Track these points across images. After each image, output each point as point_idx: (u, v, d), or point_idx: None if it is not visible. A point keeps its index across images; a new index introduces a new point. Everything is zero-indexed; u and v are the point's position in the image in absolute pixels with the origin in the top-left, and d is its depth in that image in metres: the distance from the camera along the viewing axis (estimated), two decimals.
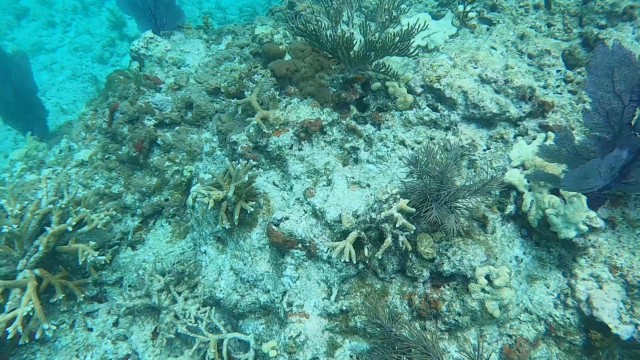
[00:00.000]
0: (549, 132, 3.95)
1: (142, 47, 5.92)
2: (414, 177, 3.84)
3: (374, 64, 4.21)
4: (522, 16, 4.99)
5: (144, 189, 4.88)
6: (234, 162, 3.93)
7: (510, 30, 4.85)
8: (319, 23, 3.99)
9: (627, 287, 3.67)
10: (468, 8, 4.91)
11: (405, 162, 3.73)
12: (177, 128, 5.06)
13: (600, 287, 3.65)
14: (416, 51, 4.09)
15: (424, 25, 4.02)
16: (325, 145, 4.30)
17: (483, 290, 3.42)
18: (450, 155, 3.53)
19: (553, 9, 5.02)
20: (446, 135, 4.21)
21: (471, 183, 3.48)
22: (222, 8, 12.63)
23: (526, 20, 4.98)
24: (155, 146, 5.03)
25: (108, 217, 4.33)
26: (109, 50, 11.33)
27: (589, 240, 3.59)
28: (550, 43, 4.69)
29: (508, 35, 4.80)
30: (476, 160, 4.08)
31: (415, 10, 5.61)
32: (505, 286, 3.40)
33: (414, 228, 3.34)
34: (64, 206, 4.15)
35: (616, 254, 3.73)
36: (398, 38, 3.91)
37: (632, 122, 3.14)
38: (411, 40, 3.96)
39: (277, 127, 4.23)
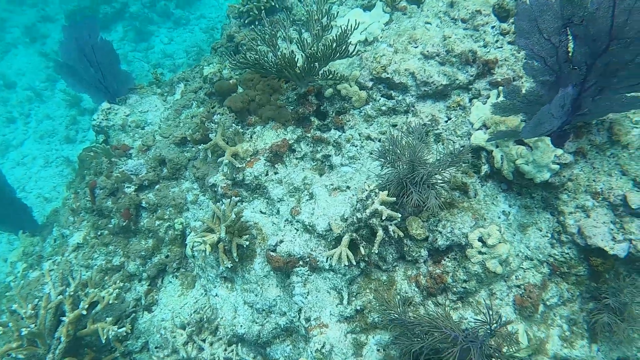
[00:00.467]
0: (500, 88, 4.11)
1: (102, 119, 6.06)
2: (388, 168, 3.98)
3: (320, 73, 4.36)
4: None
5: (143, 253, 5.01)
6: (218, 203, 4.07)
7: (439, 1, 5.01)
8: (259, 51, 4.14)
9: (613, 208, 3.83)
10: None
11: (376, 156, 3.87)
12: (157, 187, 5.20)
13: (588, 216, 3.80)
14: (356, 50, 4.24)
15: (356, 24, 4.18)
16: (298, 162, 4.45)
17: (480, 252, 3.57)
18: (415, 137, 3.68)
19: None
20: (407, 118, 4.36)
21: (442, 157, 3.63)
22: (169, 55, 12.80)
23: None
24: (142, 209, 5.17)
25: (117, 290, 4.46)
26: (73, 129, 11.48)
27: (564, 176, 3.75)
28: (479, 2, 4.85)
29: (438, 6, 4.96)
30: (441, 133, 4.23)
31: (348, 7, 5.77)
32: (500, 242, 3.55)
33: (400, 215, 3.49)
34: (72, 293, 4.27)
35: (594, 180, 3.88)
36: (335, 44, 4.06)
37: (569, 59, 3.30)
38: (348, 42, 4.11)
39: (248, 159, 4.37)
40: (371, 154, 4.26)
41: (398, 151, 3.65)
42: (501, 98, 3.73)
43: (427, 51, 4.36)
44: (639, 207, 3.71)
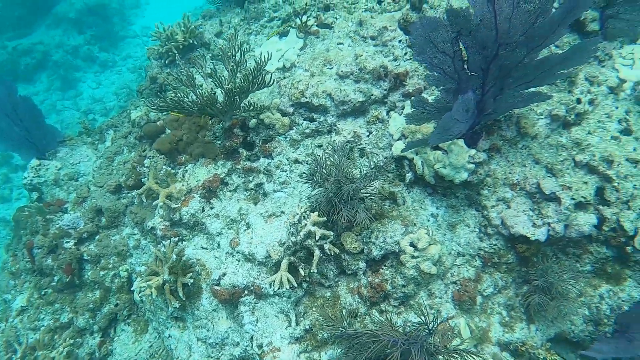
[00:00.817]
0: (412, 98, 4.35)
1: (33, 177, 5.99)
2: (317, 188, 4.14)
3: (242, 105, 4.49)
4: (353, 5, 5.41)
5: (91, 306, 4.98)
6: (159, 245, 4.12)
7: (349, 22, 5.24)
8: (177, 93, 4.24)
9: (530, 196, 4.11)
10: (304, 19, 5.27)
11: (304, 179, 4.02)
12: (97, 237, 5.19)
13: (509, 207, 4.06)
14: (272, 80, 4.40)
15: (269, 56, 4.34)
16: (232, 194, 4.55)
17: (413, 256, 3.76)
18: (338, 155, 3.85)
19: None
20: (331, 137, 4.54)
21: (366, 171, 3.81)
22: (99, 99, 12.70)
23: (358, 6, 5.40)
24: (84, 262, 5.15)
25: (67, 347, 4.42)
26: (6, 188, 11.18)
27: (481, 174, 3.99)
28: (386, 18, 5.11)
29: (348, 26, 5.20)
30: (364, 147, 4.43)
31: (264, 35, 5.94)
32: (430, 244, 3.75)
33: (332, 234, 3.65)
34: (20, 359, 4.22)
35: (510, 172, 4.16)
36: (252, 76, 4.21)
37: (465, 66, 3.56)
38: (263, 73, 4.27)
39: (183, 198, 4.45)
40: (300, 177, 4.41)
41: (324, 171, 3.81)
42: (412, 109, 3.95)
43: (342, 71, 4.56)
44: (552, 192, 4.00)
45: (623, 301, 4.21)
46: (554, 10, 3.21)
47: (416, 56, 3.44)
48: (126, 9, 17.54)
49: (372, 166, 3.86)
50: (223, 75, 4.27)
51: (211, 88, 4.27)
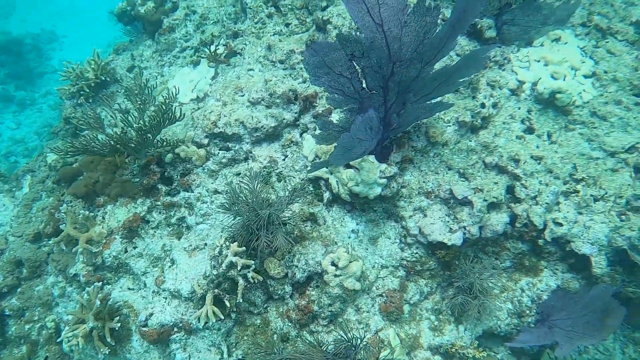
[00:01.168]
0: (318, 120, 4.43)
1: None
2: (236, 217, 4.15)
3: (156, 142, 4.46)
4: (262, 30, 5.47)
5: None
6: (83, 292, 4.03)
7: (258, 47, 5.30)
8: (86, 136, 4.17)
9: (445, 202, 4.26)
10: (213, 48, 5.30)
11: (222, 209, 4.03)
12: (19, 290, 5.01)
13: (425, 215, 4.20)
14: (183, 114, 4.40)
15: (177, 90, 4.34)
16: (155, 231, 4.51)
17: (336, 275, 3.83)
18: (254, 183, 3.88)
19: (284, 10, 5.55)
20: (248, 164, 4.57)
21: (282, 196, 3.86)
22: (20, 140, 12.24)
23: (267, 31, 5.47)
24: (7, 318, 4.95)
25: None
26: None
27: (393, 187, 4.11)
28: (294, 40, 5.21)
29: (258, 52, 5.26)
30: (282, 171, 4.48)
31: (178, 66, 5.93)
32: (351, 262, 3.83)
33: (253, 262, 3.68)
34: None
35: (424, 181, 4.30)
36: (161, 113, 4.20)
37: (364, 86, 3.67)
38: (173, 108, 4.26)
39: (104, 241, 4.37)
40: (219, 208, 4.41)
41: (243, 198, 3.83)
42: (319, 130, 4.02)
43: (253, 98, 4.61)
44: (464, 197, 4.16)
45: (542, 291, 4.42)
46: (440, 27, 3.37)
47: (314, 81, 3.52)
48: (42, 43, 17.04)
49: (290, 189, 3.92)
50: (133, 114, 4.24)
51: (122, 127, 4.22)
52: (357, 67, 3.53)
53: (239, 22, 5.53)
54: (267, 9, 5.42)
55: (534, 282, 4.45)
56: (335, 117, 4.29)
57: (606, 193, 4.45)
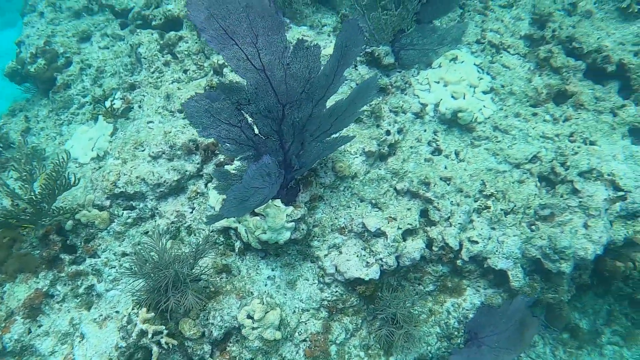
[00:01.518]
0: (213, 171, 4.33)
1: None
2: (145, 281, 3.96)
3: (52, 210, 4.22)
4: (159, 79, 5.33)
5: None
6: None
7: (157, 97, 5.15)
8: None
9: (359, 236, 4.22)
10: (109, 103, 5.11)
11: (129, 274, 3.83)
12: None
13: (340, 252, 4.14)
14: (78, 180, 4.19)
15: (68, 157, 4.14)
16: (61, 305, 4.24)
17: (254, 328, 3.69)
18: (161, 241, 3.71)
19: (181, 57, 5.45)
20: (155, 222, 4.39)
21: (189, 251, 3.72)
22: None
23: (165, 79, 5.34)
24: None
25: None
26: None
27: (303, 228, 4.03)
28: (192, 86, 5.09)
29: (157, 102, 5.11)
30: (190, 225, 4.32)
31: (77, 123, 5.70)
32: (267, 312, 3.71)
33: (164, 327, 3.49)
34: None
35: (336, 217, 4.25)
36: (51, 181, 3.98)
37: (257, 132, 3.59)
38: (65, 174, 4.05)
39: (3, 325, 4.07)
40: (125, 272, 4.21)
41: (150, 259, 3.65)
42: (217, 181, 3.90)
43: (153, 152, 4.45)
44: (377, 229, 4.13)
45: (467, 310, 4.44)
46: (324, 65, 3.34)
47: (202, 132, 3.40)
48: None
49: (194, 244, 3.77)
50: (22, 185, 4.00)
51: (10, 200, 3.98)
52: (245, 114, 3.45)
53: (135, 74, 5.38)
54: (163, 57, 5.30)
55: (458, 302, 4.46)
56: (235, 165, 4.18)
57: (515, 205, 4.54)
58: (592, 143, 4.89)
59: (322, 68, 3.36)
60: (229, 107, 3.38)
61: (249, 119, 3.50)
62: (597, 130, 4.98)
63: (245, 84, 3.26)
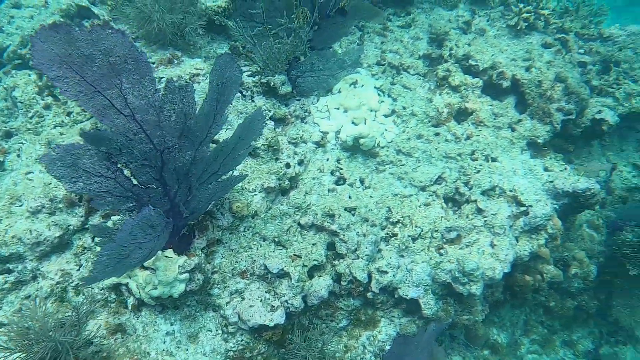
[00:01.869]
0: (90, 228, 3.99)
1: None
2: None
3: None
4: (40, 124, 4.89)
5: None
6: None
7: (37, 144, 4.72)
8: None
9: (262, 279, 4.00)
10: None
11: (3, 348, 3.42)
12: None
13: (243, 298, 3.89)
14: None
15: None
16: None
17: None
18: (39, 310, 3.33)
19: (63, 99, 5.05)
20: (38, 284, 3.98)
21: (68, 317, 3.36)
22: None
23: (46, 124, 4.87)
24: None
25: None
26: None
27: (199, 278, 3.75)
28: (77, 130, 4.72)
29: (36, 150, 4.67)
30: (78, 284, 3.95)
31: None
32: None
33: None
34: None
35: (237, 261, 4.01)
36: None
37: (134, 182, 3.31)
38: None
39: None
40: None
41: (34, 328, 3.27)
42: (97, 239, 3.57)
43: (32, 207, 4.04)
44: (279, 269, 3.92)
45: (383, 342, 4.31)
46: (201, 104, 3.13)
47: (71, 187, 3.07)
48: None
49: (81, 304, 3.41)
50: None
51: None
52: (119, 165, 3.17)
53: (12, 119, 4.94)
54: (42, 100, 4.89)
55: (374, 334, 4.33)
56: (115, 218, 3.87)
57: (422, 230, 4.46)
58: (493, 160, 4.91)
59: (199, 109, 3.15)
60: (100, 160, 3.08)
61: (125, 170, 3.22)
62: (497, 146, 5.02)
63: (113, 132, 2.98)
